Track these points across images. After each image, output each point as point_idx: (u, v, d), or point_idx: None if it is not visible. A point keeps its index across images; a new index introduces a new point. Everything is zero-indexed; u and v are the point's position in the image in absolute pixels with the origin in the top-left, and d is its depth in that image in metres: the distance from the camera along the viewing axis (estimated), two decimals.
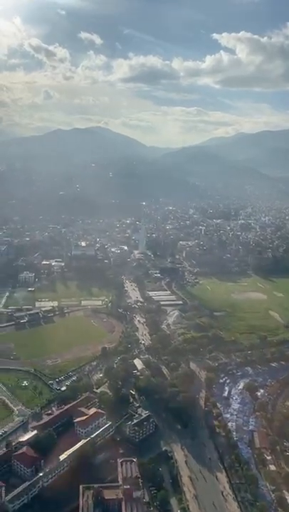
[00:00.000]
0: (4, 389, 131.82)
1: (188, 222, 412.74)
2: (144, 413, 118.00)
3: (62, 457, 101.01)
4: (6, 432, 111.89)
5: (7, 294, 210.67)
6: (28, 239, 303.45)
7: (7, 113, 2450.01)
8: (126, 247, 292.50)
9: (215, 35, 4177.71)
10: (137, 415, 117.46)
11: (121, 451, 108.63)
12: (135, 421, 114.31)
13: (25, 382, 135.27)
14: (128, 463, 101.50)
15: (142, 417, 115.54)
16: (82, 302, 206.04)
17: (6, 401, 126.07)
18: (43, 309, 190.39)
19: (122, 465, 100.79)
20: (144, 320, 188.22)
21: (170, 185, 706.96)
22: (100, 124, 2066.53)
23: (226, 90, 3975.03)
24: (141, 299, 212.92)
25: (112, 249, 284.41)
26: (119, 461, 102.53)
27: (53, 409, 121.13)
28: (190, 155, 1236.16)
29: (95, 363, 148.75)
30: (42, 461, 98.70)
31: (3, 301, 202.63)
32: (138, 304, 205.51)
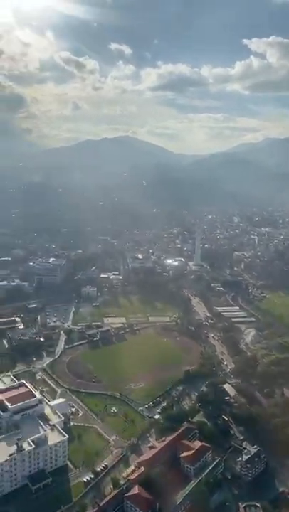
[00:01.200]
0: (94, 416, 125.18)
1: (237, 231, 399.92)
2: (253, 448, 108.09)
3: (178, 499, 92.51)
4: (107, 466, 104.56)
5: (73, 309, 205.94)
6: (80, 251, 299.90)
7: (36, 125, 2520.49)
8: (182, 259, 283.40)
9: (245, 41, 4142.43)
10: (245, 450, 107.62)
11: (235, 492, 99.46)
12: (246, 457, 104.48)
13: (113, 408, 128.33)
14: (252, 508, 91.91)
15: (253, 453, 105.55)
16: (150, 318, 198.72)
17: (99, 429, 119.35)
18: (114, 326, 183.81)
19: (245, 510, 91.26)
20: (219, 338, 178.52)
21: (206, 193, 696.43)
22: (128, 133, 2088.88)
23: (254, 96, 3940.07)
24: (210, 315, 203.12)
25: (168, 261, 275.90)
26: (241, 505, 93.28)
27: (153, 441, 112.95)
28: (220, 162, 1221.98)
29: (181, 388, 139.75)
30: (157, 503, 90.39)
31: (71, 317, 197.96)
32: (209, 321, 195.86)
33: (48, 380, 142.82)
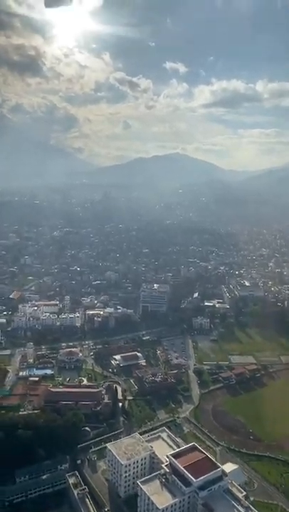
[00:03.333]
0: (272, 488, 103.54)
1: None
2: None
3: None
4: None
5: (191, 343, 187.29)
6: (170, 274, 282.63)
7: (87, 144, 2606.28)
8: None
9: None
10: None
11: None
12: None
13: None
14: None
15: None
16: (282, 358, 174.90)
17: (285, 508, 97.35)
18: (247, 368, 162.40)
19: None
20: None
21: (274, 210, 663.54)
22: (178, 150, 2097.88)
23: None
24: None
25: (276, 289, 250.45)
26: None
27: None
28: (278, 177, 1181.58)
29: None
30: None
31: (191, 352, 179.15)
32: None
33: (199, 435, 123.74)
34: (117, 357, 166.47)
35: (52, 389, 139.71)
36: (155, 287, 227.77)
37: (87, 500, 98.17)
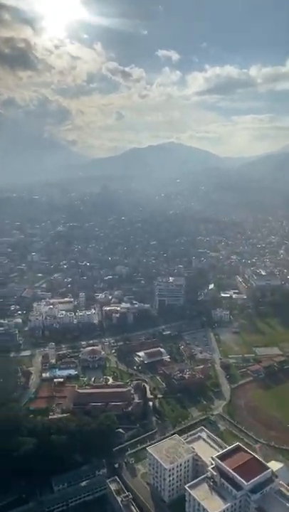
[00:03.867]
0: None
1: None
2: None
3: None
4: None
5: (213, 336, 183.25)
6: (180, 266, 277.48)
7: (81, 136, 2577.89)
8: None
9: None
10: None
11: None
12: None
13: None
14: None
15: None
16: None
17: None
18: (274, 359, 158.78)
19: None
20: None
21: (276, 196, 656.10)
22: (173, 139, 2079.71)
23: None
24: None
25: None
26: None
27: None
28: (274, 163, 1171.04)
29: None
30: None
31: (215, 346, 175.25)
32: None
33: (236, 433, 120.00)
34: (141, 353, 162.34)
35: (79, 390, 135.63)
36: (170, 280, 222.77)
37: (132, 507, 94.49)
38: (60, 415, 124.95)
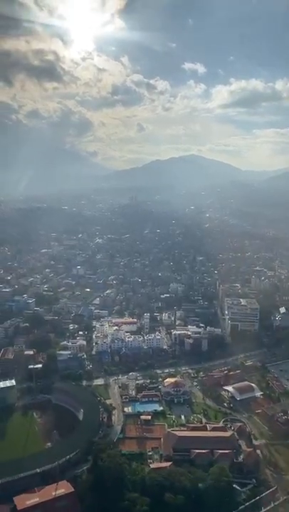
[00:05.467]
0: None
1: None
2: None
3: None
4: None
5: None
6: (237, 285, 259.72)
7: (101, 147, 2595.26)
8: None
9: None
10: None
11: None
12: None
13: None
14: None
15: None
16: None
17: None
18: None
19: None
20: None
21: None
22: (194, 152, 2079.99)
23: None
24: None
25: None
26: None
27: None
28: None
29: None
30: None
31: None
32: None
33: None
34: (230, 388, 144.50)
35: (178, 433, 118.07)
36: (243, 302, 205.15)
37: None
38: (160, 464, 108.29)
